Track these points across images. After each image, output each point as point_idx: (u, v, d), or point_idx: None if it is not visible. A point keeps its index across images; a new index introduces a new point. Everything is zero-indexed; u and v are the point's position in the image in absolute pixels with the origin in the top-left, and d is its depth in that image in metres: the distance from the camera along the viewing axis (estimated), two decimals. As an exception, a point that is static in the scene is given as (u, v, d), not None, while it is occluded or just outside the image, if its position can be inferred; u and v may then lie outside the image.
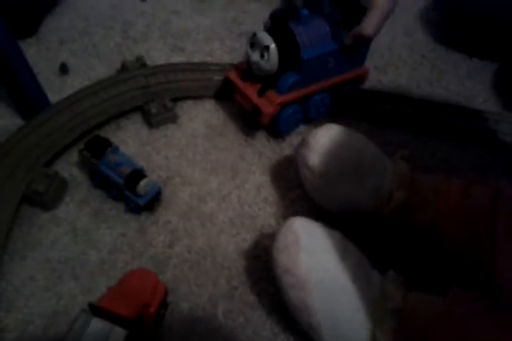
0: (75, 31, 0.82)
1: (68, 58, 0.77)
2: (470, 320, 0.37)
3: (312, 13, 0.58)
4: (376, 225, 0.54)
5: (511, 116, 0.68)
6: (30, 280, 0.51)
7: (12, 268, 0.52)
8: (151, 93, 0.67)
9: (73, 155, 0.62)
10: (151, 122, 0.66)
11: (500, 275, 0.42)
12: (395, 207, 0.50)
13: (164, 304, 0.46)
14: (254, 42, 0.57)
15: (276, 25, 0.58)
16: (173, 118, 0.67)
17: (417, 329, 0.40)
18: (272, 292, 0.50)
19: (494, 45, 0.79)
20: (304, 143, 0.53)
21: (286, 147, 0.65)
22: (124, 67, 0.70)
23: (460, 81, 0.77)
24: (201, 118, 0.68)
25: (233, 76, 0.64)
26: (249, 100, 0.61)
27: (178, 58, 0.78)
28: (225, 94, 0.69)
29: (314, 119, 0.67)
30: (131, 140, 0.65)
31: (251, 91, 0.61)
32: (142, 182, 0.54)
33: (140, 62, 0.70)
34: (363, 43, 0.60)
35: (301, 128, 0.67)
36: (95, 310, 0.39)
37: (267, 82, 0.60)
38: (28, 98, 0.64)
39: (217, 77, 0.69)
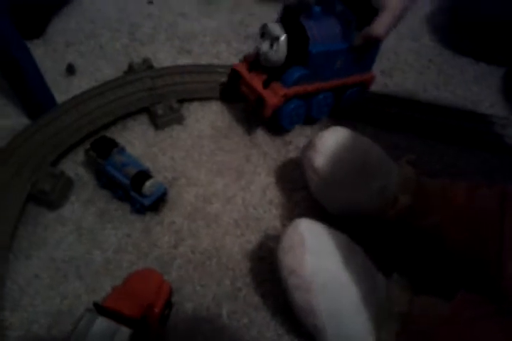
0: (82, 33, 0.83)
1: (75, 59, 0.77)
2: (475, 324, 0.37)
3: (325, 12, 0.58)
4: (381, 228, 0.54)
5: (518, 121, 0.68)
6: (35, 280, 0.51)
7: (17, 267, 0.52)
8: (157, 95, 0.67)
9: (79, 155, 0.62)
10: (157, 123, 0.66)
11: (507, 279, 0.42)
12: (400, 210, 0.50)
13: (169, 304, 0.46)
14: (264, 33, 0.58)
15: (288, 16, 0.58)
16: (179, 120, 0.67)
17: (420, 332, 0.40)
18: (277, 293, 0.50)
19: (501, 50, 0.79)
20: (310, 145, 0.54)
21: (291, 149, 0.65)
22: (130, 69, 0.70)
23: (467, 85, 0.77)
24: (207, 119, 0.69)
25: (240, 67, 0.64)
26: (254, 90, 0.61)
27: (184, 60, 0.78)
28: (231, 96, 0.69)
29: (316, 119, 0.67)
30: (137, 141, 0.65)
31: (256, 81, 0.61)
32: (148, 183, 0.54)
33: (147, 64, 0.70)
34: (373, 44, 0.60)
35: (308, 130, 0.67)
36: (100, 309, 0.39)
37: (273, 73, 0.60)
38: (34, 98, 0.64)
39: (224, 79, 0.69)
